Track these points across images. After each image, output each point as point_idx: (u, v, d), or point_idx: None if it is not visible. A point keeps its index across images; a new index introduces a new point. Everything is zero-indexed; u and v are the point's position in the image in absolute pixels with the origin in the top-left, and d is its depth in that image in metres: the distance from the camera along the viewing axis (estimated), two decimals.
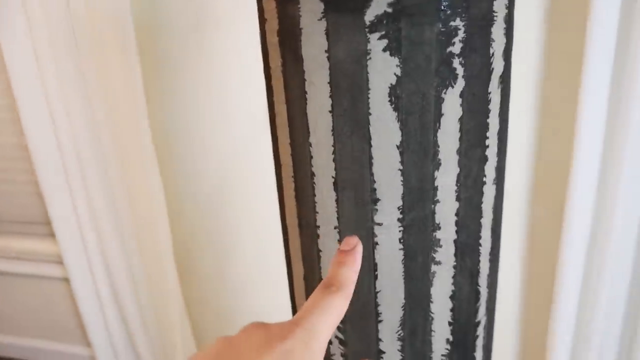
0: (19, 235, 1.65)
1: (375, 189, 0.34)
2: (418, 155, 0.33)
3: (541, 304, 0.92)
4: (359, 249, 0.29)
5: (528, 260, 0.93)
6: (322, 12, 0.31)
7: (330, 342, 0.40)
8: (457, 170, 0.34)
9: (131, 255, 1.36)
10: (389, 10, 0.29)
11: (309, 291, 0.41)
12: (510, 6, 0.34)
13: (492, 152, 0.36)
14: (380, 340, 0.38)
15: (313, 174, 0.35)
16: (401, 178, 0.33)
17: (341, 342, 0.39)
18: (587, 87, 0.64)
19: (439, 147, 0.33)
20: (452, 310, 0.38)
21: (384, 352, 0.38)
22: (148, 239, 1.32)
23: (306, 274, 0.40)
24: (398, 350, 0.38)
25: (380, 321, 0.37)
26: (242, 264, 1.44)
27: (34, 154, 1.28)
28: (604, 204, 0.69)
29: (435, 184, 0.34)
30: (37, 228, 1.63)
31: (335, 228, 0.36)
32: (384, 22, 0.30)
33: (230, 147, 1.32)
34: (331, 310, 0.27)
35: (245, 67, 1.16)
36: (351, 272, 0.28)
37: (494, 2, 0.32)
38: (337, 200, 0.35)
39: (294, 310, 0.46)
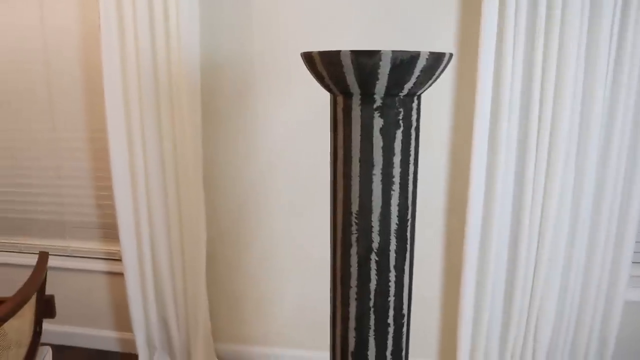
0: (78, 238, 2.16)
1: (373, 158, 1.00)
2: (388, 150, 1.00)
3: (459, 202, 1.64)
4: None
5: (450, 183, 1.66)
6: (359, 104, 0.99)
7: (351, 213, 1.04)
8: (400, 156, 1.02)
9: (174, 250, 1.90)
10: (380, 105, 0.98)
11: (345, 208, 1.06)
12: (419, 103, 1.03)
13: (414, 153, 1.04)
14: (372, 220, 1.03)
15: (352, 157, 1.02)
16: (382, 158, 1.00)
17: (356, 217, 1.04)
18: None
19: (394, 147, 1.01)
20: (398, 212, 1.04)
21: (373, 225, 1.04)
22: (189, 237, 1.88)
23: (344, 198, 1.05)
24: (378, 221, 1.04)
25: (372, 212, 1.03)
26: (256, 258, 2.04)
27: (114, 173, 1.84)
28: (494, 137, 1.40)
29: (393, 161, 1.01)
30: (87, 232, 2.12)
31: (357, 177, 1.02)
32: (379, 108, 0.98)
33: (253, 174, 1.98)
34: None
35: (270, 121, 1.85)
36: None
37: (412, 104, 1.01)
38: (360, 168, 1.02)
39: (334, 233, 1.10)
